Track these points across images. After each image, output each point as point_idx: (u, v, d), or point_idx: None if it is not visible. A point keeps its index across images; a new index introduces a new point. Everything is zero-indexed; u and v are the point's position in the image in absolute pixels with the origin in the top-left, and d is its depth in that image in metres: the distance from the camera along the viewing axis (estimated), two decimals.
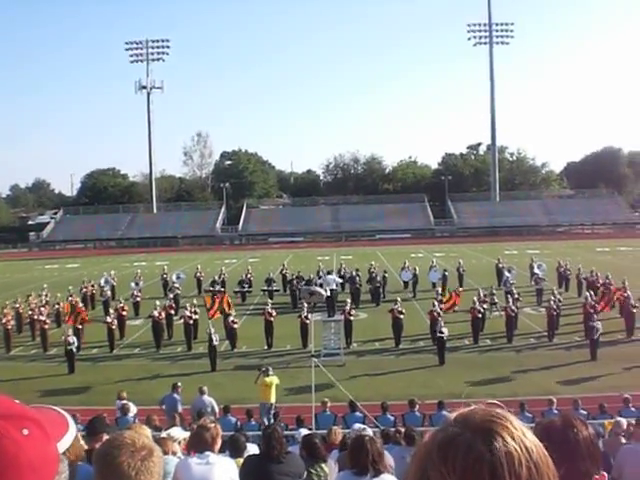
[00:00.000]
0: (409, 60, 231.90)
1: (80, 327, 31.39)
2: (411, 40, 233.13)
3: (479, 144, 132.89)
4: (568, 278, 42.99)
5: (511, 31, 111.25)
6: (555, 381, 23.80)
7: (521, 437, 1.43)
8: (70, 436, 1.67)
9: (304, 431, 12.04)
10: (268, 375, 20.74)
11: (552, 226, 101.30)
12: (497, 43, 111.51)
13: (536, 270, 42.28)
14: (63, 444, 1.62)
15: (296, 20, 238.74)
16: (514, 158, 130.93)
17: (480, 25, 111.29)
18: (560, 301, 31.78)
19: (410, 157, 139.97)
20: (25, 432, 1.45)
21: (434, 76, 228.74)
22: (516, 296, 33.45)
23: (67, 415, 1.74)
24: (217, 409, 18.50)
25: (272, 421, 18.42)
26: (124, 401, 18.30)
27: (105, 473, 2.65)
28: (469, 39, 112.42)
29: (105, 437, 6.27)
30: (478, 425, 1.42)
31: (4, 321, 32.22)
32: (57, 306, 36.86)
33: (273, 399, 20.55)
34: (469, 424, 1.43)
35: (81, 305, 35.82)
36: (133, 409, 18.15)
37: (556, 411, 16.16)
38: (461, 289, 28.01)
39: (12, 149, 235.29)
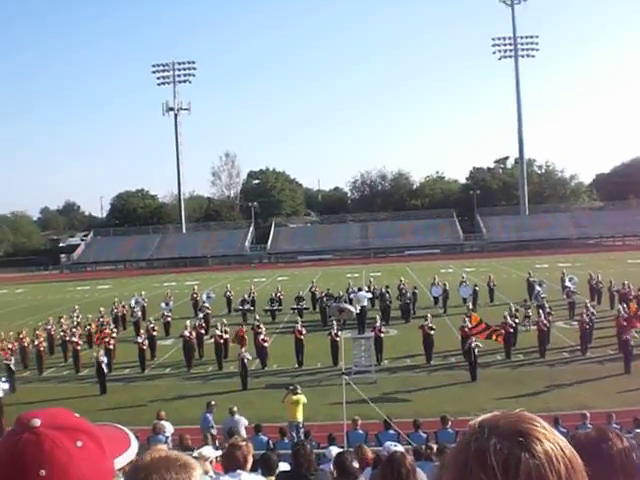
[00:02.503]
0: (435, 76, 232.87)
1: (112, 347, 31.59)
2: (436, 55, 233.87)
3: (507, 158, 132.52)
4: (600, 291, 42.54)
5: (536, 44, 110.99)
6: (589, 395, 23.51)
7: (552, 435, 1.44)
8: (130, 453, 1.71)
9: (335, 449, 11.97)
10: (296, 393, 20.72)
11: (582, 239, 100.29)
12: (522, 56, 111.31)
13: (567, 283, 41.87)
14: (121, 460, 1.66)
15: (321, 40, 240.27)
16: (542, 171, 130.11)
17: (505, 39, 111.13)
18: (593, 314, 31.46)
19: (437, 172, 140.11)
20: (79, 444, 1.50)
21: (460, 91, 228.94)
22: (548, 310, 33.17)
23: (131, 434, 1.76)
24: (242, 431, 18.40)
25: (302, 439, 18.36)
26: (162, 421, 18.32)
27: None
28: (494, 53, 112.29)
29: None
30: (510, 430, 1.43)
31: (37, 343, 32.52)
32: (88, 327, 37.12)
33: (300, 417, 20.50)
34: (500, 430, 1.44)
35: (112, 326, 36.19)
36: (170, 429, 18.19)
37: (590, 425, 15.97)
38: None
39: (42, 173, 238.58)
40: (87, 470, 1.48)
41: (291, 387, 21.27)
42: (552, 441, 1.43)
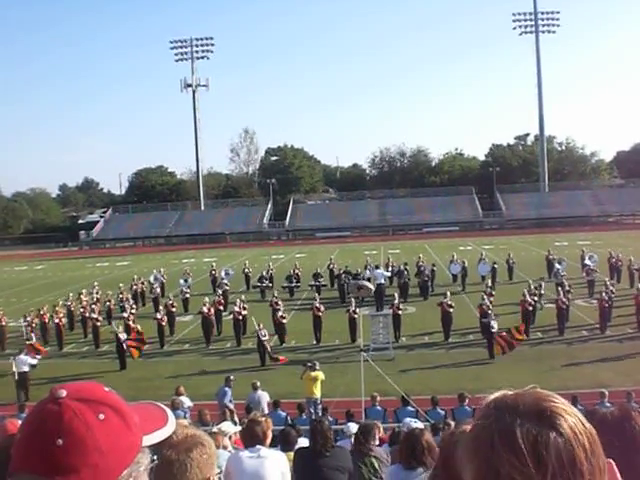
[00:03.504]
0: (454, 51, 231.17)
1: (131, 324, 31.76)
2: (456, 31, 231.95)
3: (527, 134, 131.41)
4: (620, 269, 42.26)
5: (557, 19, 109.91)
6: (607, 374, 23.45)
7: (571, 409, 1.45)
8: (163, 433, 1.69)
9: (353, 425, 12.01)
10: (314, 370, 20.79)
11: (602, 216, 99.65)
12: (543, 32, 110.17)
13: (587, 261, 41.65)
14: (151, 438, 1.65)
15: (337, 13, 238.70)
16: (563, 148, 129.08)
17: (525, 14, 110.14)
18: (613, 292, 31.31)
19: (457, 149, 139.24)
20: (101, 417, 1.51)
21: (480, 66, 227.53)
22: (567, 288, 33.03)
23: (170, 414, 1.76)
24: (265, 406, 18.53)
25: (320, 415, 18.43)
26: (181, 397, 18.44)
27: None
28: (514, 28, 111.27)
29: None
30: (533, 409, 1.43)
31: (56, 319, 32.79)
32: (108, 303, 37.33)
33: (318, 394, 20.58)
34: (522, 410, 1.43)
35: (131, 302, 36.40)
36: (188, 403, 18.30)
37: (608, 404, 15.93)
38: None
39: (61, 150, 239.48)
40: (106, 443, 1.49)
41: (309, 364, 21.33)
42: (572, 415, 1.43)
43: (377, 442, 9.71)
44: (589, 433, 1.42)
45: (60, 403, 1.51)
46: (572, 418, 1.42)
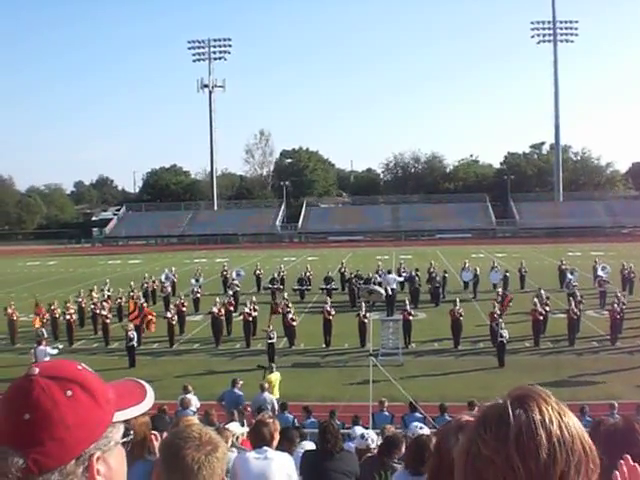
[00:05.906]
0: (471, 58, 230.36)
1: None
2: (474, 38, 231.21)
3: (542, 143, 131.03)
4: (632, 281, 42.09)
5: (575, 29, 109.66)
6: (617, 385, 23.34)
7: (554, 405, 1.52)
8: (137, 410, 1.74)
9: (359, 429, 11.99)
10: (272, 372, 21.18)
11: (616, 227, 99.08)
12: (561, 41, 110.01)
13: (600, 272, 41.44)
14: (125, 414, 1.70)
15: (356, 17, 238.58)
16: (578, 158, 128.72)
17: (544, 23, 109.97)
18: (624, 304, 31.16)
19: (472, 156, 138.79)
20: (69, 393, 1.58)
21: (497, 74, 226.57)
22: (579, 298, 32.90)
23: (149, 392, 1.81)
24: (277, 406, 18.58)
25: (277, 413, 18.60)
26: (188, 395, 18.44)
27: (168, 463, 2.74)
28: (533, 37, 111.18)
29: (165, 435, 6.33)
30: (516, 395, 1.54)
31: (67, 315, 32.92)
32: (119, 301, 37.44)
33: (277, 394, 20.78)
34: (510, 395, 1.55)
35: (144, 304, 36.50)
36: (196, 403, 18.30)
37: (618, 416, 15.82)
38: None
39: (77, 147, 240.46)
40: (73, 418, 1.56)
41: (267, 367, 21.71)
42: (552, 408, 1.51)
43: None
44: (570, 419, 1.50)
45: (31, 380, 1.58)
46: (549, 407, 1.50)
